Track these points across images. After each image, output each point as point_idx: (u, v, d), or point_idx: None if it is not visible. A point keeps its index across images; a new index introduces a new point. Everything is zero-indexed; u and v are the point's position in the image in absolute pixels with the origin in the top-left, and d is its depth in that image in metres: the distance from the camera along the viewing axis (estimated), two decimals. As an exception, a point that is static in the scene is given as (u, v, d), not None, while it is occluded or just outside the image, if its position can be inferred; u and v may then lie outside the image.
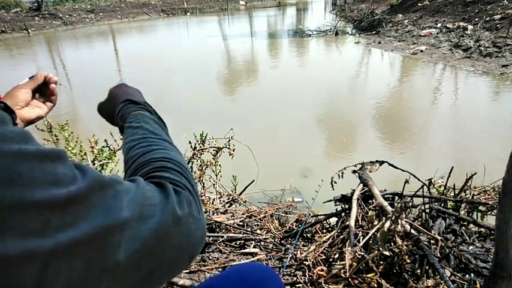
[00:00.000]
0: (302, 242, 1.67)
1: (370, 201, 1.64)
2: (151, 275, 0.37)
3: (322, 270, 1.32)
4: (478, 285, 1.17)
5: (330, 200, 1.77)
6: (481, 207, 1.62)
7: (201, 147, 2.21)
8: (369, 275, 1.19)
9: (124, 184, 0.37)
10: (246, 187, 2.35)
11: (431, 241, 1.29)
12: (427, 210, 1.61)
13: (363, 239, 1.30)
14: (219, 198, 2.17)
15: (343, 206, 1.71)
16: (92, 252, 0.30)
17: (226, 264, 1.50)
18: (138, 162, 0.51)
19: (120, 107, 0.68)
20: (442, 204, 1.64)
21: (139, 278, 0.36)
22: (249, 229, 1.81)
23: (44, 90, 0.85)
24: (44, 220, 0.27)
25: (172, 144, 0.59)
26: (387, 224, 1.23)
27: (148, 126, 0.60)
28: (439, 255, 1.26)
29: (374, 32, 11.21)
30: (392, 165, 1.76)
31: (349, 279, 1.21)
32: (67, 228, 0.29)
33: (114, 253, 0.32)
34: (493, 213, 1.56)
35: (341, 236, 1.49)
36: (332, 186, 1.79)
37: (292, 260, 1.47)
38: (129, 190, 0.37)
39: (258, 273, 0.69)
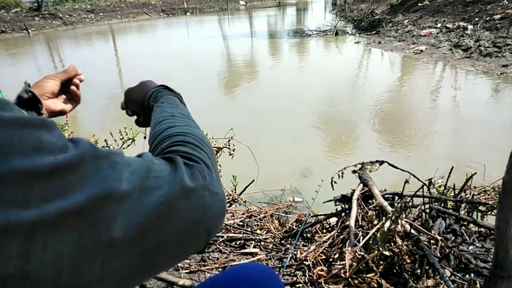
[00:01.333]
0: (302, 242, 1.67)
1: (370, 201, 1.64)
2: (157, 250, 0.35)
3: (322, 270, 1.32)
4: (478, 285, 1.17)
5: (330, 200, 1.77)
6: (481, 207, 1.62)
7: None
8: (369, 275, 1.19)
9: (124, 156, 0.36)
10: (246, 187, 2.36)
11: (431, 241, 1.29)
12: (427, 210, 1.61)
13: (363, 239, 1.30)
14: (219, 198, 2.17)
15: (343, 206, 1.71)
16: (84, 223, 0.28)
17: (226, 264, 1.50)
18: (160, 136, 0.51)
19: (154, 89, 0.69)
20: (442, 204, 1.64)
21: (143, 253, 0.34)
22: (249, 229, 1.81)
23: (69, 86, 0.85)
24: (26, 190, 0.26)
25: (195, 123, 0.58)
26: (387, 224, 1.23)
27: (178, 109, 0.60)
28: (439, 255, 1.26)
29: (374, 32, 11.21)
30: (392, 165, 1.76)
31: (349, 279, 1.21)
32: (54, 199, 0.27)
33: (110, 226, 0.30)
34: (493, 213, 1.56)
35: (341, 236, 1.49)
36: (332, 186, 1.79)
37: (292, 260, 1.47)
38: (130, 163, 0.35)
39: (257, 273, 0.69)
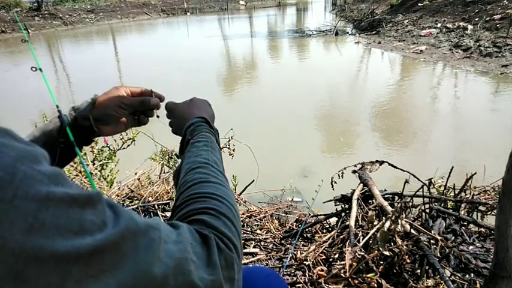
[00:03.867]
0: (302, 242, 1.66)
1: (370, 201, 1.64)
2: None
3: (322, 270, 1.32)
4: (478, 285, 1.17)
5: (330, 200, 1.77)
6: (481, 207, 1.62)
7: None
8: (369, 275, 1.19)
9: (161, 231, 0.35)
10: (246, 187, 2.36)
11: (431, 241, 1.29)
12: (427, 210, 1.61)
13: (363, 239, 1.30)
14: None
15: (343, 206, 1.71)
16: None
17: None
18: (191, 190, 0.48)
19: (194, 120, 0.65)
20: (442, 204, 1.64)
21: None
22: (249, 229, 1.81)
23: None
24: (63, 273, 0.26)
25: (226, 179, 0.56)
26: (387, 224, 1.23)
27: (213, 155, 0.57)
28: (439, 255, 1.26)
29: (374, 32, 11.21)
30: (392, 165, 1.76)
31: (349, 279, 1.21)
32: (89, 282, 0.27)
33: None
34: (493, 213, 1.56)
35: (341, 236, 1.49)
36: (332, 186, 1.79)
37: (292, 260, 1.47)
38: (167, 239, 0.35)
39: (263, 277, 0.69)
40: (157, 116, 0.76)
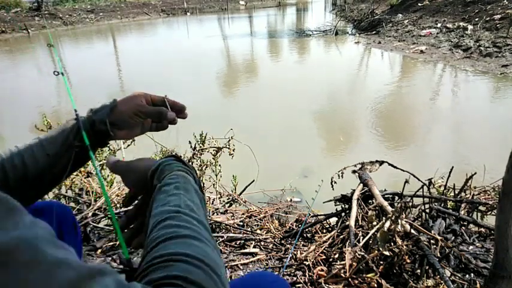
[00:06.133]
0: (302, 242, 1.66)
1: (370, 201, 1.64)
2: None
3: (322, 270, 1.32)
4: (478, 285, 1.17)
5: (330, 200, 1.77)
6: (481, 207, 1.62)
7: (201, 147, 2.21)
8: (369, 275, 1.19)
9: None
10: (246, 187, 2.36)
11: (431, 241, 1.29)
12: (427, 210, 1.61)
13: (363, 239, 1.30)
14: (219, 198, 2.17)
15: (343, 206, 1.71)
16: None
17: (226, 264, 1.50)
18: (156, 252, 0.39)
19: (162, 161, 0.57)
20: (442, 204, 1.64)
21: None
22: (249, 229, 1.81)
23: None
24: None
25: (208, 229, 0.45)
26: (387, 224, 1.23)
27: (186, 198, 0.48)
28: (439, 255, 1.26)
29: (374, 32, 11.21)
30: (392, 165, 1.76)
31: (349, 279, 1.21)
32: None
33: None
34: (493, 213, 1.56)
35: (341, 236, 1.49)
36: (332, 186, 1.79)
37: (292, 260, 1.47)
38: None
39: (269, 282, 0.69)
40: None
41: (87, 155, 0.65)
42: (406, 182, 1.59)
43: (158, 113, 0.68)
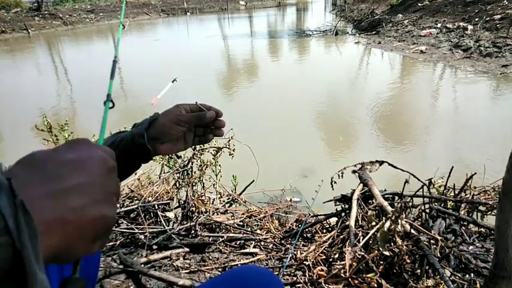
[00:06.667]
0: (302, 242, 1.66)
1: (370, 201, 1.64)
2: None
3: (322, 270, 1.32)
4: (478, 285, 1.17)
5: (330, 200, 1.77)
6: (481, 207, 1.62)
7: (201, 147, 2.21)
8: (369, 275, 1.19)
9: None
10: (246, 187, 2.35)
11: (431, 241, 1.29)
12: (427, 210, 1.61)
13: (363, 239, 1.30)
14: (219, 198, 2.17)
15: (343, 206, 1.71)
16: None
17: (226, 265, 1.50)
18: None
19: None
20: (442, 204, 1.64)
21: None
22: (249, 229, 1.81)
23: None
24: None
25: None
26: (387, 224, 1.23)
27: None
28: (439, 255, 1.26)
29: (374, 32, 11.21)
30: (392, 165, 1.76)
31: (349, 279, 1.21)
32: None
33: None
34: (493, 213, 1.56)
35: (341, 236, 1.49)
36: (332, 186, 1.78)
37: (292, 260, 1.47)
38: None
39: (258, 276, 0.68)
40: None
41: (131, 167, 0.65)
42: (406, 182, 1.59)
43: (197, 116, 0.67)
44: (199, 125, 0.69)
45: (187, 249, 1.59)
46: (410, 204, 1.64)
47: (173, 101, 0.73)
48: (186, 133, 0.69)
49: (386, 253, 1.18)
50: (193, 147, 2.23)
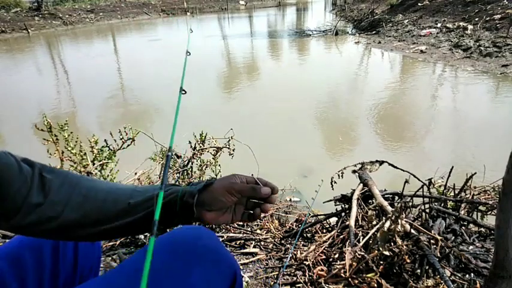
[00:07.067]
0: (302, 242, 1.66)
1: (370, 201, 1.64)
2: None
3: (322, 270, 1.32)
4: (478, 285, 1.17)
5: (330, 200, 1.77)
6: (481, 207, 1.62)
7: (201, 147, 2.21)
8: (369, 275, 1.19)
9: None
10: (246, 187, 2.35)
11: (431, 241, 1.29)
12: (427, 210, 1.61)
13: (363, 239, 1.30)
14: (219, 198, 2.16)
15: (343, 206, 1.71)
16: None
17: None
18: None
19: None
20: (442, 204, 1.63)
21: None
22: (249, 229, 1.81)
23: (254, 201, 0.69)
24: None
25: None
26: (387, 224, 1.23)
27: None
28: (439, 255, 1.26)
29: (374, 32, 11.21)
30: (392, 165, 1.76)
31: (349, 279, 1.21)
32: None
33: None
34: (493, 213, 1.56)
35: (341, 236, 1.49)
36: (332, 186, 1.78)
37: (292, 260, 1.47)
38: None
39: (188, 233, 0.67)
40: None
41: (149, 226, 0.62)
42: (406, 182, 1.59)
43: (252, 189, 0.65)
44: (252, 198, 0.67)
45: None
46: (410, 204, 1.64)
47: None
48: (236, 205, 0.67)
49: (386, 253, 1.18)
50: (193, 147, 2.24)
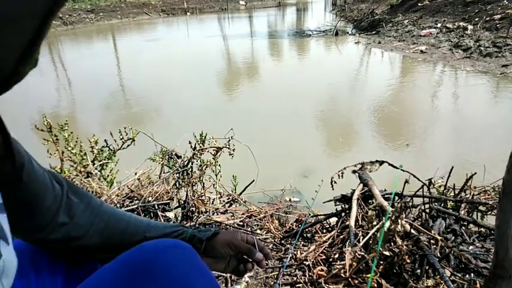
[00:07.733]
0: (302, 242, 1.67)
1: (370, 201, 1.64)
2: None
3: (322, 270, 1.32)
4: (478, 285, 1.17)
5: (330, 200, 1.77)
6: (481, 207, 1.62)
7: (201, 147, 2.21)
8: (369, 275, 1.19)
9: None
10: (246, 187, 2.35)
11: (431, 241, 1.29)
12: (427, 210, 1.61)
13: (363, 239, 1.30)
14: (219, 198, 2.17)
15: (343, 206, 1.71)
16: None
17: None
18: None
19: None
20: (442, 204, 1.64)
21: None
22: (249, 229, 1.81)
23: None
24: None
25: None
26: (387, 224, 1.23)
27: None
28: (439, 255, 1.26)
29: (374, 32, 11.21)
30: (392, 165, 1.76)
31: (349, 279, 1.21)
32: None
33: None
34: (493, 213, 1.56)
35: (341, 236, 1.49)
36: (332, 186, 1.78)
37: (292, 260, 1.47)
38: None
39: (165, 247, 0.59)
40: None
41: None
42: (406, 182, 1.59)
43: (248, 249, 0.73)
44: (246, 255, 0.74)
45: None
46: (410, 204, 1.64)
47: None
48: (231, 258, 0.75)
49: (387, 253, 1.18)
50: (193, 147, 2.23)
